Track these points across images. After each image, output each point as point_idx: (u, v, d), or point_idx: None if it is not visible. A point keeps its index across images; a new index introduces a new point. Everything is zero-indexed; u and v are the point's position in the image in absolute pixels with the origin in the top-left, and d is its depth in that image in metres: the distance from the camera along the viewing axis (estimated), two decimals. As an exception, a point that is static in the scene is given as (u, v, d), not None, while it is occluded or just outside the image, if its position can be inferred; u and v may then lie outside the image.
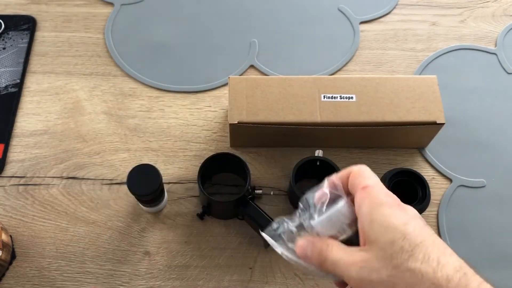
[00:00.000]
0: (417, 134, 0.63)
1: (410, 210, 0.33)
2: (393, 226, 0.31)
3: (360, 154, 0.67)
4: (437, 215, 0.63)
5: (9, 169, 0.65)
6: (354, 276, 0.31)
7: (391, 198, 0.33)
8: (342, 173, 0.36)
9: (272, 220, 0.55)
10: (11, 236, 0.60)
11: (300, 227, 0.36)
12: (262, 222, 0.56)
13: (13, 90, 0.71)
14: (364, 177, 0.34)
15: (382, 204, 0.32)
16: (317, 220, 0.35)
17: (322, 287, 0.58)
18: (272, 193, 0.63)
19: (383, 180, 0.59)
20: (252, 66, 0.74)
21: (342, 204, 0.35)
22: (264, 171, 0.65)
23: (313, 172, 0.61)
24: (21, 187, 0.64)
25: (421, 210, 0.58)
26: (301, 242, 0.35)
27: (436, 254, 0.30)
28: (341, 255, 0.33)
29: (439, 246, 0.30)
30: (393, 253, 0.30)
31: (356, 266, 0.31)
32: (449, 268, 0.29)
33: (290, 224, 0.37)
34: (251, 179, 0.59)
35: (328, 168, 0.59)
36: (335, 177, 0.37)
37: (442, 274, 0.29)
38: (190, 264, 0.59)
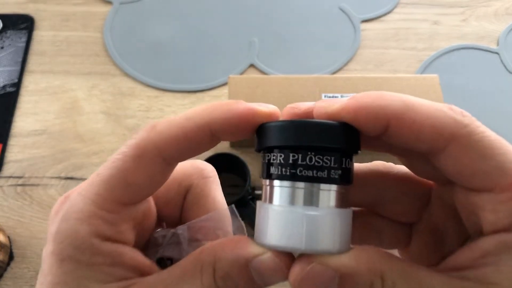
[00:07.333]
0: (418, 134, 0.63)
1: None
2: None
3: (361, 154, 0.66)
4: (439, 215, 0.63)
5: (7, 169, 0.64)
6: None
7: None
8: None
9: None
10: (9, 237, 0.59)
11: None
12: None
13: (11, 89, 0.70)
14: None
15: None
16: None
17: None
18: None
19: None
20: (252, 66, 0.73)
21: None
22: (264, 172, 0.65)
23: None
24: (19, 188, 0.63)
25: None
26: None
27: None
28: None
29: None
30: None
31: None
32: None
33: None
34: (251, 180, 0.58)
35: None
36: None
37: None
38: (189, 266, 0.59)
